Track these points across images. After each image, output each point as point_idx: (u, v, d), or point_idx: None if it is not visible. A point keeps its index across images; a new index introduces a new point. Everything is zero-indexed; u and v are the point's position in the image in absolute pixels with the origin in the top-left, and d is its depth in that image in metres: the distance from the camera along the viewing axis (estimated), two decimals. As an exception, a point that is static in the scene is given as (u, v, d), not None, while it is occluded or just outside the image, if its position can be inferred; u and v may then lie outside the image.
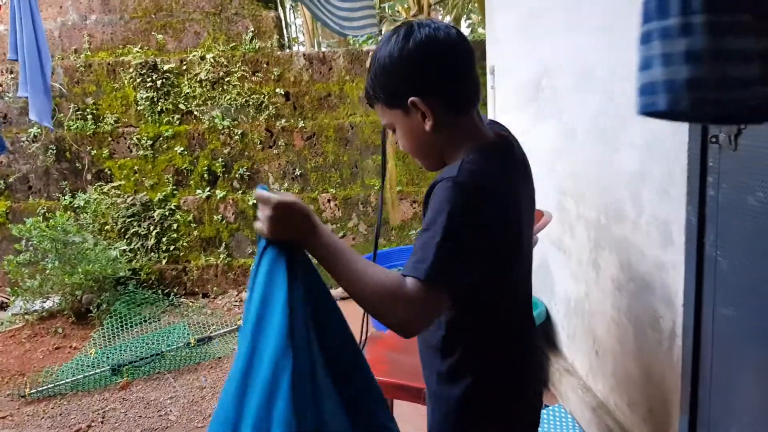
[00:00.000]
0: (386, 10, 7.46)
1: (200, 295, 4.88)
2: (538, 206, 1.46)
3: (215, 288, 4.87)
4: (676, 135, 1.78)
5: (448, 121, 1.21)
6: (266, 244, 1.07)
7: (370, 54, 1.24)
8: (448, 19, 7.74)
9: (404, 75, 1.20)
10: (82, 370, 3.56)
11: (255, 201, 1.10)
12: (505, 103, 3.50)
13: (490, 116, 2.59)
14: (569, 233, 2.70)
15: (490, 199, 1.14)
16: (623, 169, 2.13)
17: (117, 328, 4.09)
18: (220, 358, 3.78)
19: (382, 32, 5.13)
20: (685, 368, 1.84)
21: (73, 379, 3.46)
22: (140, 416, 3.18)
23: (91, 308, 4.30)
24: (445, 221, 1.07)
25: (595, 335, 2.51)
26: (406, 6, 7.21)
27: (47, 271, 4.16)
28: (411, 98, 1.18)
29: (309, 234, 1.08)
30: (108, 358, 3.70)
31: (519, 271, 1.31)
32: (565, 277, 2.78)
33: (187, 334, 3.99)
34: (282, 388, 0.95)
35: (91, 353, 3.73)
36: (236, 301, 4.71)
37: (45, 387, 3.41)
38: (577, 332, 2.72)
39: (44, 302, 4.35)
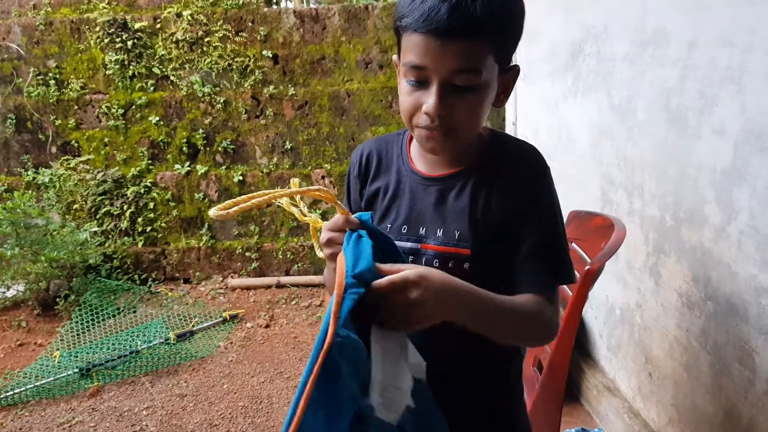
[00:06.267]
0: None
1: (181, 281, 4.43)
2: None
3: (197, 273, 4.41)
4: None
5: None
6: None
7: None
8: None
9: (520, 28, 0.95)
10: (48, 372, 3.13)
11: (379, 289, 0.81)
12: (530, 71, 3.01)
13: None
14: (616, 230, 2.27)
15: None
16: (707, 163, 1.69)
17: (87, 321, 3.66)
18: (203, 358, 3.36)
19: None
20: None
21: (37, 384, 3.03)
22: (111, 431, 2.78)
23: (58, 299, 3.85)
24: (558, 215, 1.04)
25: (649, 354, 2.11)
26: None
27: (8, 258, 3.70)
28: (513, 61, 0.98)
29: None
30: (77, 357, 3.26)
31: None
32: (608, 279, 2.37)
33: (166, 329, 3.57)
34: None
35: (55, 356, 3.29)
36: (221, 288, 4.27)
37: (4, 395, 2.99)
38: (622, 346, 2.32)
39: (5, 292, 3.89)
